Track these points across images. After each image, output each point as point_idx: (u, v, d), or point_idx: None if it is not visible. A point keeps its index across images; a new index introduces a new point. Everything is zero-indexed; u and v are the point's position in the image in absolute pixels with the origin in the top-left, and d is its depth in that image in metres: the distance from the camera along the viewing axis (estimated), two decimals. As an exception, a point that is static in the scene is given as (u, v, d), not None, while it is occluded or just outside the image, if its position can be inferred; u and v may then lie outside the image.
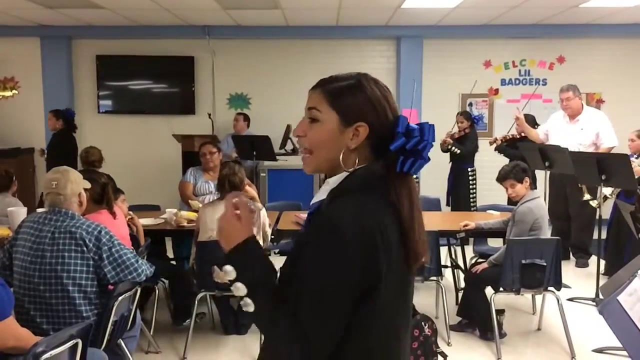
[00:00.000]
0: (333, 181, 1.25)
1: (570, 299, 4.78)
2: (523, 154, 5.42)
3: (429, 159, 1.24)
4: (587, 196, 5.16)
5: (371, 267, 1.13)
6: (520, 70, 7.78)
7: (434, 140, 1.24)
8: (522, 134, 6.16)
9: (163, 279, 4.26)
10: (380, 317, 1.17)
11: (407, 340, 1.31)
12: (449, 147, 6.27)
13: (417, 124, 1.22)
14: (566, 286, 4.55)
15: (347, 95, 1.23)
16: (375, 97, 1.23)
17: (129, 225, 3.64)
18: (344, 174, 1.23)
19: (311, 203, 1.28)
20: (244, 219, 1.23)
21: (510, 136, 6.26)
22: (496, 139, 6.30)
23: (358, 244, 1.12)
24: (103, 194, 3.24)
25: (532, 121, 6.34)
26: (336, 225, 1.13)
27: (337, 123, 1.22)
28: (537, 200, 3.94)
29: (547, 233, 3.93)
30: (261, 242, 3.91)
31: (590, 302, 4.75)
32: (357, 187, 1.20)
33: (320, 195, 1.26)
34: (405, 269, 1.22)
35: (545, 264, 3.69)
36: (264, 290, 1.18)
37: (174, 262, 4.85)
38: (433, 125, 1.24)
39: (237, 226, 1.22)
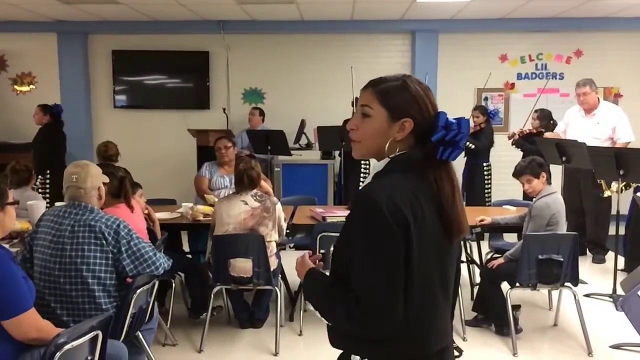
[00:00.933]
0: (378, 165, 1.44)
1: (587, 295, 4.75)
2: (540, 149, 5.38)
3: (464, 148, 1.36)
4: (607, 193, 5.11)
5: (402, 236, 1.30)
6: (537, 64, 7.71)
7: (468, 132, 1.42)
8: (539, 129, 6.11)
9: (179, 273, 4.29)
10: (414, 282, 1.32)
11: (447, 307, 1.45)
12: (466, 142, 6.23)
13: (454, 119, 1.39)
14: (583, 282, 4.52)
15: (395, 95, 1.41)
16: (419, 96, 1.41)
17: (145, 219, 3.67)
18: (386, 160, 1.42)
19: (361, 188, 1.44)
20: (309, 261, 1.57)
21: (527, 131, 6.21)
22: (514, 134, 6.26)
23: (390, 212, 1.29)
24: (121, 187, 3.27)
25: (548, 116, 6.29)
26: (369, 198, 1.32)
27: (386, 118, 1.41)
28: (554, 195, 3.91)
29: (564, 228, 3.90)
30: (276, 237, 3.96)
31: (607, 298, 4.71)
32: (397, 169, 1.39)
33: (368, 179, 1.46)
34: (444, 241, 1.39)
35: (562, 259, 3.67)
36: (315, 296, 1.49)
37: (189, 256, 4.89)
38: (468, 120, 1.43)
39: (304, 266, 1.56)
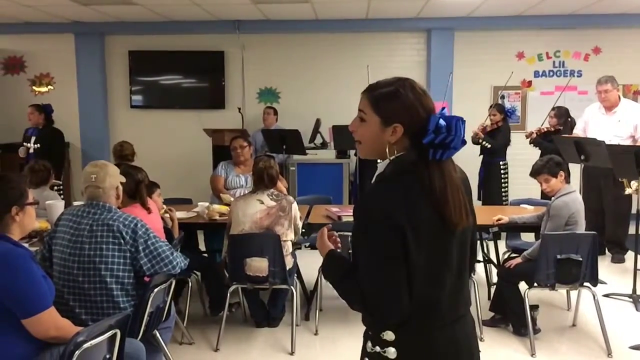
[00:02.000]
0: (381, 166, 1.55)
1: (606, 295, 4.69)
2: (558, 147, 5.32)
3: (460, 147, 1.47)
4: (628, 190, 5.03)
5: (399, 238, 1.41)
6: (554, 62, 7.62)
7: (462, 134, 1.46)
8: (557, 127, 6.05)
9: (195, 272, 4.31)
10: (417, 274, 1.44)
11: (460, 284, 1.58)
12: (480, 140, 6.19)
13: (447, 119, 1.45)
14: (602, 282, 4.46)
15: (386, 102, 1.50)
16: (410, 102, 1.48)
17: (163, 218, 3.69)
18: (387, 161, 1.52)
19: (372, 182, 1.58)
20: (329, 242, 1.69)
21: (545, 129, 6.15)
22: (532, 133, 6.20)
23: (387, 220, 1.41)
24: (136, 190, 3.29)
25: (565, 114, 6.22)
26: (368, 207, 1.47)
27: (379, 124, 1.51)
28: (573, 194, 3.86)
29: (583, 228, 3.85)
30: (292, 236, 3.96)
31: (626, 298, 4.65)
32: (395, 173, 1.49)
33: (374, 178, 1.57)
34: (445, 231, 1.48)
35: (581, 259, 3.62)
36: (333, 278, 1.59)
37: (206, 255, 4.91)
38: (462, 119, 1.46)
39: (323, 247, 1.67)
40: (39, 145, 6.45)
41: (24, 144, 6.50)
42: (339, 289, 1.54)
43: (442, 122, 1.44)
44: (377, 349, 1.52)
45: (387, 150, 1.50)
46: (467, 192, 1.58)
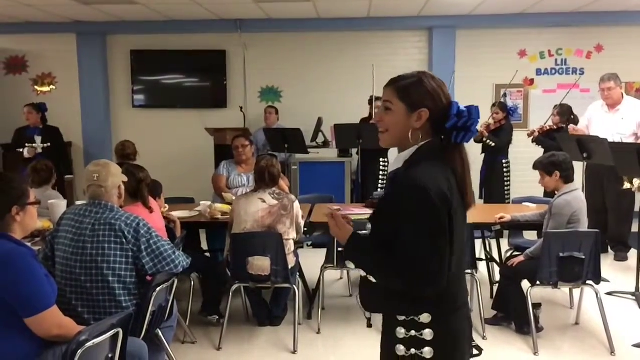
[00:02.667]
0: (405, 154, 1.67)
1: (609, 293, 4.68)
2: (561, 145, 5.31)
3: (476, 132, 1.66)
4: (627, 185, 5.01)
5: (447, 210, 1.56)
6: (556, 60, 7.61)
7: (479, 118, 1.65)
8: (559, 125, 6.03)
9: (197, 272, 4.31)
10: (455, 244, 1.59)
11: (464, 261, 1.78)
12: (485, 139, 6.18)
13: (465, 107, 1.63)
14: (605, 280, 4.45)
15: (412, 90, 1.65)
16: (433, 89, 1.65)
17: (165, 217, 3.69)
18: (413, 148, 1.65)
19: (389, 171, 1.76)
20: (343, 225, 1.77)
21: (548, 127, 6.13)
22: (534, 131, 6.19)
23: (438, 197, 1.54)
24: (138, 189, 3.30)
25: (568, 112, 6.21)
26: (422, 187, 1.54)
27: (405, 111, 1.65)
28: (575, 192, 3.86)
29: (585, 226, 3.84)
30: (294, 235, 3.96)
31: (629, 296, 4.64)
32: (427, 157, 1.63)
33: (396, 164, 1.70)
34: (464, 215, 1.69)
35: (583, 257, 3.61)
36: (369, 259, 1.67)
37: (208, 254, 4.91)
38: (478, 106, 1.65)
39: (342, 230, 1.75)
40: (49, 144, 6.49)
41: (27, 144, 6.46)
42: (373, 266, 1.65)
43: (461, 107, 1.62)
44: (413, 332, 1.62)
45: (409, 135, 1.64)
46: None
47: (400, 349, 1.64)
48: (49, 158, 6.32)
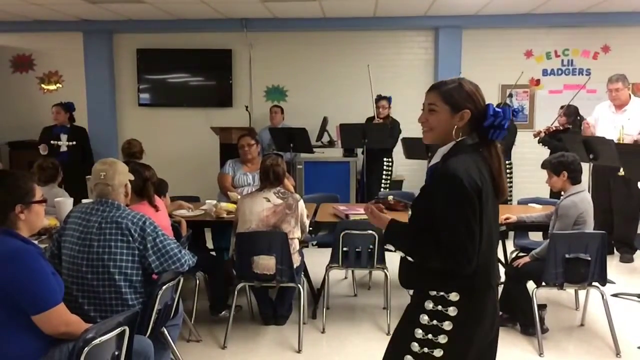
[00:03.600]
0: (444, 149, 1.90)
1: (615, 295, 4.67)
2: (567, 146, 5.29)
3: (506, 130, 1.86)
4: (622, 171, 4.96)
5: (478, 196, 1.77)
6: (562, 60, 7.59)
7: (510, 117, 1.85)
8: (566, 126, 6.02)
9: (202, 271, 4.31)
10: (484, 233, 1.80)
11: (496, 259, 1.94)
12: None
13: (500, 108, 1.85)
14: (610, 281, 4.43)
15: (455, 94, 1.87)
16: (472, 92, 1.88)
17: (171, 215, 3.70)
18: (451, 144, 1.88)
19: (429, 165, 1.94)
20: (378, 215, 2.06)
21: (554, 128, 6.12)
22: (540, 132, 6.17)
23: (469, 184, 1.75)
24: (144, 187, 3.30)
25: (574, 112, 6.19)
26: (454, 174, 1.76)
27: (449, 112, 1.87)
28: (582, 194, 3.84)
29: (591, 228, 3.82)
30: (299, 234, 3.96)
31: (635, 298, 4.62)
32: (462, 151, 1.85)
33: (435, 159, 1.91)
34: (496, 204, 1.91)
35: (589, 258, 3.60)
36: (408, 242, 1.91)
37: (213, 253, 4.92)
38: (510, 107, 1.91)
39: (381, 219, 2.02)
40: (74, 142, 6.57)
41: (52, 142, 6.50)
42: (413, 247, 1.88)
43: (497, 108, 1.84)
44: (440, 307, 1.83)
45: (453, 133, 1.86)
46: None
47: (424, 319, 1.84)
48: (73, 157, 6.39)
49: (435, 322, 1.82)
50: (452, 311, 1.81)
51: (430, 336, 1.83)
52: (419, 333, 1.85)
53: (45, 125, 6.74)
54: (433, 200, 1.81)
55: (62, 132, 6.59)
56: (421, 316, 1.85)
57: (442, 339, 1.82)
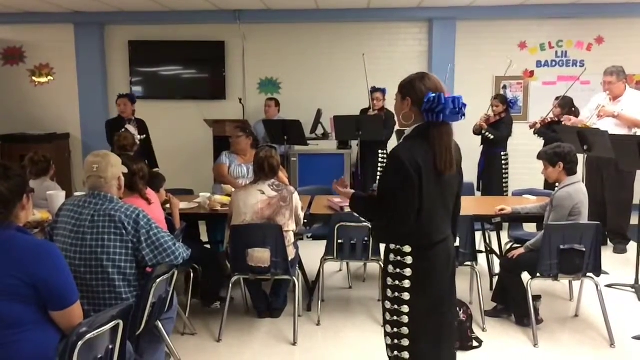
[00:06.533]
0: (407, 131, 2.31)
1: (609, 286, 4.69)
2: (562, 137, 5.29)
3: (451, 119, 2.21)
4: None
5: (418, 173, 2.16)
6: (557, 52, 7.58)
7: (459, 108, 2.20)
8: (560, 117, 6.02)
9: (196, 263, 4.29)
10: (424, 203, 2.19)
11: (448, 217, 2.37)
12: (484, 132, 6.17)
13: (439, 97, 2.16)
14: (604, 272, 4.45)
15: (404, 84, 2.32)
16: (415, 84, 2.27)
17: (164, 207, 3.67)
18: (412, 127, 2.29)
19: None
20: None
21: (549, 119, 6.12)
22: (536, 123, 6.17)
23: (409, 161, 2.16)
24: (132, 181, 3.26)
25: (569, 104, 6.19)
26: (396, 155, 2.21)
27: (400, 100, 2.33)
28: (577, 185, 3.84)
29: (586, 219, 3.83)
30: (294, 227, 3.95)
31: (629, 288, 4.64)
32: (414, 134, 2.27)
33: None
34: (437, 176, 2.22)
35: (584, 249, 3.61)
36: (363, 208, 2.45)
37: (208, 246, 4.90)
38: (459, 97, 2.21)
39: (346, 193, 2.55)
40: (144, 135, 6.35)
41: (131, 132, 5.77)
42: (367, 212, 2.43)
43: (432, 95, 2.17)
44: (399, 258, 2.28)
45: (401, 117, 2.31)
46: (457, 152, 2.32)
47: (390, 269, 2.31)
48: (143, 150, 5.99)
49: (398, 270, 2.28)
50: (408, 260, 2.26)
51: (397, 282, 2.28)
52: (389, 281, 2.31)
53: (109, 118, 6.48)
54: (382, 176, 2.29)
55: (131, 125, 6.27)
56: (389, 267, 2.32)
57: (407, 284, 2.26)
